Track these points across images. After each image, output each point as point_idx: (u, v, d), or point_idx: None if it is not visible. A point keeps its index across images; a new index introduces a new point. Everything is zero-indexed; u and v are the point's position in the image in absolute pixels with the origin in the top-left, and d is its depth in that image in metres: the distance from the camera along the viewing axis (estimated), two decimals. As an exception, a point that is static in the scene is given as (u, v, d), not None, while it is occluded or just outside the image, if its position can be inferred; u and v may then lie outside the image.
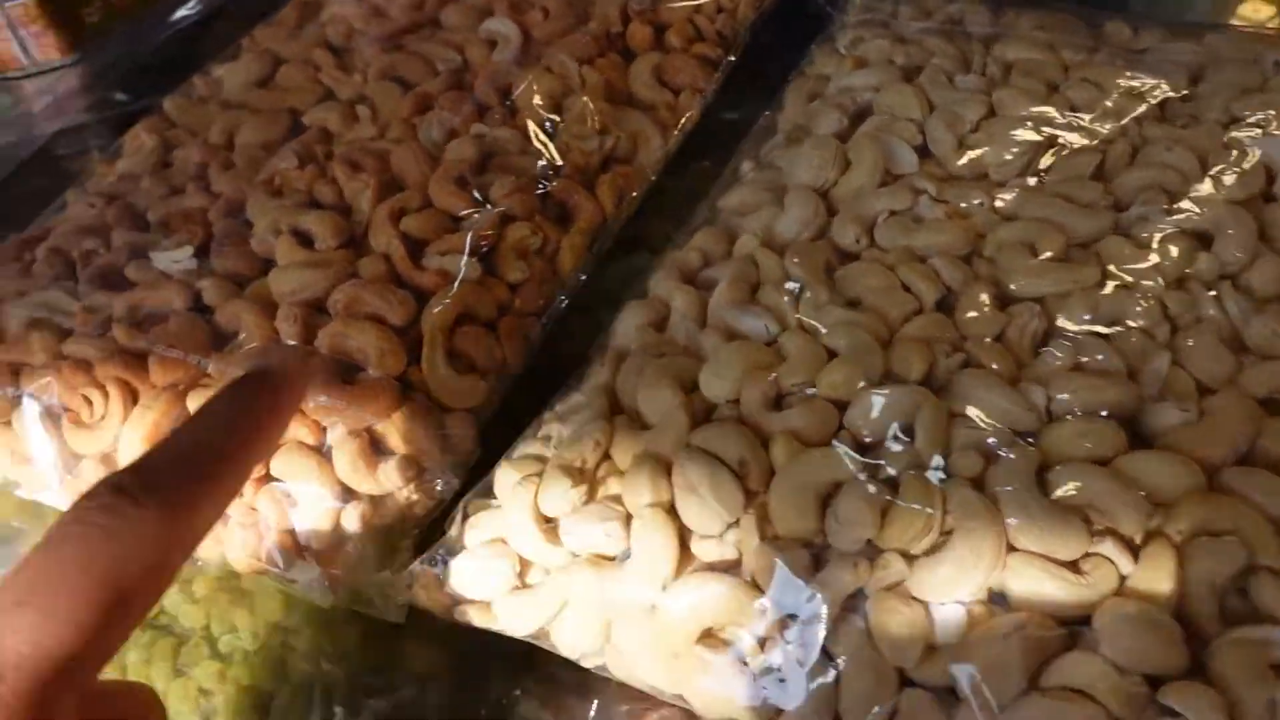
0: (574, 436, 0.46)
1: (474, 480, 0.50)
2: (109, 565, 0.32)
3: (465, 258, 0.54)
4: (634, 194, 0.64)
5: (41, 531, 0.57)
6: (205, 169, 0.65)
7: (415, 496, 0.49)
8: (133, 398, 0.51)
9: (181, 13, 0.89)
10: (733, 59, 0.72)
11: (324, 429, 0.49)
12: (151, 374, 0.51)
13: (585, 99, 0.66)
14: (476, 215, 0.56)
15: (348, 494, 0.48)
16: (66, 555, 0.32)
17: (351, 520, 0.47)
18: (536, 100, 0.65)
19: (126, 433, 0.50)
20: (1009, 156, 0.56)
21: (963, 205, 0.54)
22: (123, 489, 0.33)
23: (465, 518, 0.47)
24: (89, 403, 0.52)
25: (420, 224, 0.55)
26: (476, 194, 0.58)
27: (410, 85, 0.68)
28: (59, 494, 0.52)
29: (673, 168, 0.68)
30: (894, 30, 0.66)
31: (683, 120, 0.68)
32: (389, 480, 0.48)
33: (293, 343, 0.49)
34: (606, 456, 0.46)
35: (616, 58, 0.70)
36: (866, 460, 0.42)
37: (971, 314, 0.48)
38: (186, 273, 0.56)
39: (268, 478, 0.48)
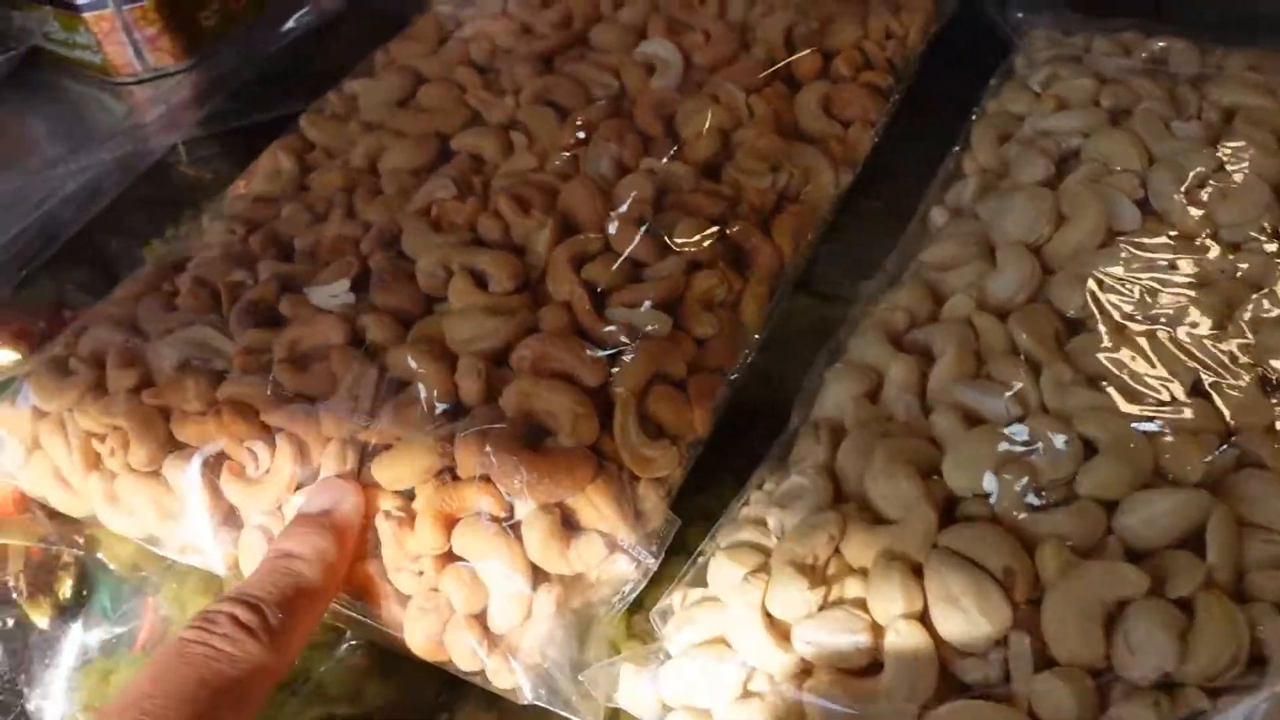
0: (803, 529, 0.41)
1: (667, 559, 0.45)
2: (225, 686, 0.38)
3: (654, 311, 0.49)
4: (810, 237, 0.59)
5: (169, 582, 0.54)
6: (349, 194, 0.60)
7: (609, 576, 0.44)
8: (300, 449, 0.47)
9: (292, 22, 0.85)
10: (902, 89, 0.67)
11: (511, 502, 0.44)
12: (323, 425, 0.47)
13: (756, 132, 0.61)
14: (661, 262, 0.52)
15: (539, 575, 0.44)
16: (189, 672, 0.38)
17: (544, 605, 0.43)
18: (704, 132, 0.61)
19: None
20: (1243, 215, 0.51)
21: (1201, 270, 0.49)
22: (242, 624, 0.39)
23: (676, 612, 0.42)
24: (253, 455, 0.48)
25: (602, 271, 0.51)
26: (656, 237, 0.53)
27: (563, 110, 0.63)
28: (212, 555, 0.48)
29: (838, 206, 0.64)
30: (1090, 67, 0.61)
31: (856, 155, 0.63)
32: (581, 560, 0.44)
33: (346, 479, 0.46)
34: (836, 551, 0.41)
35: (782, 87, 0.65)
36: (1151, 574, 0.37)
37: (1237, 400, 0.43)
38: (344, 307, 0.52)
39: (451, 556, 0.44)
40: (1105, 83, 0.60)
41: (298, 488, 0.47)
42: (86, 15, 0.77)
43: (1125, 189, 0.53)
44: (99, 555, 0.55)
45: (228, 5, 0.82)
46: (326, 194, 0.61)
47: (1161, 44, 0.63)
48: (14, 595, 0.56)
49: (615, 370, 0.48)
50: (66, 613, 0.55)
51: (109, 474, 0.50)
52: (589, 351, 0.47)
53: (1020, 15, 0.69)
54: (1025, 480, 0.41)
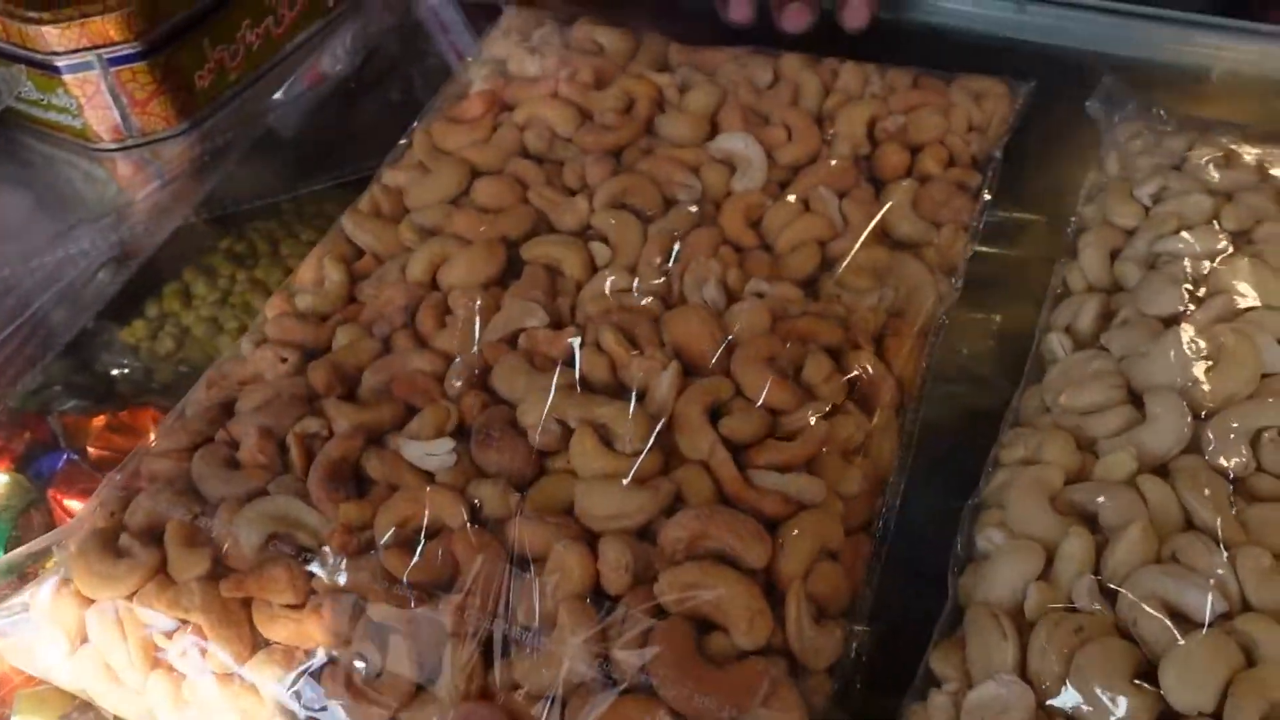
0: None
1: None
2: None
3: (809, 477, 0.45)
4: (924, 363, 0.55)
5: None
6: (412, 313, 0.54)
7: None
8: (417, 649, 0.41)
9: (291, 85, 0.77)
10: (990, 187, 0.64)
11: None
12: (445, 619, 0.41)
13: (852, 241, 0.57)
14: (799, 410, 0.47)
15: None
16: None
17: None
18: (802, 245, 0.56)
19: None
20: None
21: (1369, 427, 0.46)
22: None
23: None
24: (360, 656, 0.41)
25: (743, 425, 0.46)
26: (788, 378, 0.49)
27: (640, 214, 0.58)
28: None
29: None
30: (1199, 179, 0.58)
31: (952, 262, 0.59)
32: (761, 782, 0.39)
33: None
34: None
35: (869, 187, 0.61)
36: None
37: None
38: (446, 469, 0.46)
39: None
40: (1218, 197, 0.57)
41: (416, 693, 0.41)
42: (67, 78, 0.68)
43: (1270, 328, 0.50)
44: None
45: (223, 64, 0.73)
46: (386, 312, 0.54)
47: (1260, 150, 0.60)
48: (36, 788, 0.48)
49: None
50: (99, 806, 0.48)
51: (176, 675, 0.43)
52: (751, 527, 0.42)
53: (1099, 105, 0.67)
54: (1259, 701, 0.37)
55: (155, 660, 0.43)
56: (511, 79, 0.67)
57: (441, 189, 0.60)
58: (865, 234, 0.57)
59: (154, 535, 0.45)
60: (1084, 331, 0.55)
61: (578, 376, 0.49)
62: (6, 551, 0.52)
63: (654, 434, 0.45)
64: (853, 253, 0.56)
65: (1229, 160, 0.60)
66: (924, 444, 0.53)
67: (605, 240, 0.57)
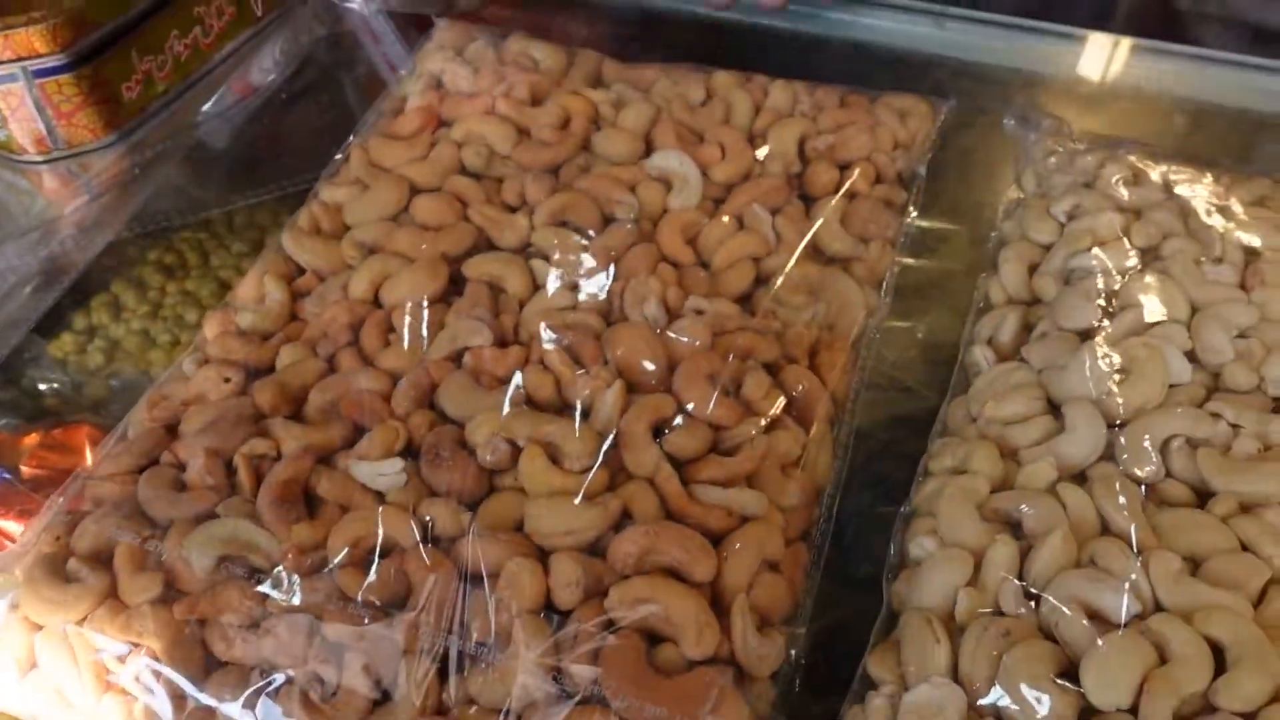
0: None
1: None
2: None
3: (752, 491, 0.47)
4: (857, 376, 0.57)
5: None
6: (355, 331, 0.54)
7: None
8: (374, 667, 0.42)
9: (220, 97, 0.76)
10: (915, 203, 0.66)
11: (631, 725, 0.41)
12: (400, 637, 0.42)
13: (790, 259, 0.59)
14: (740, 425, 0.49)
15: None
16: None
17: None
18: (738, 262, 0.58)
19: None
20: (1287, 370, 0.52)
21: (1268, 433, 0.50)
22: None
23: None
24: (316, 676, 0.42)
25: (688, 442, 0.48)
26: (729, 395, 0.50)
27: (579, 231, 0.59)
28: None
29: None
30: (1110, 196, 0.62)
31: (878, 276, 0.61)
32: (712, 788, 0.41)
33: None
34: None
35: (800, 204, 0.63)
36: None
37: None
38: (397, 489, 0.47)
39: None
40: (1128, 214, 0.60)
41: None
42: (-10, 90, 0.66)
43: (1178, 341, 0.53)
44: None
45: (151, 75, 0.72)
46: (330, 331, 0.54)
47: (1164, 167, 0.64)
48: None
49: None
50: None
51: (129, 698, 0.43)
52: (698, 541, 0.44)
53: (1011, 122, 0.70)
54: (1170, 698, 0.40)
55: (107, 684, 0.43)
56: (447, 94, 0.68)
57: (381, 206, 0.60)
58: (798, 251, 0.59)
59: (103, 559, 0.45)
60: (1005, 344, 0.57)
61: (525, 395, 0.50)
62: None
63: (602, 451, 0.47)
64: (786, 269, 0.58)
65: (1137, 178, 0.63)
66: (852, 450, 0.56)
67: (546, 258, 0.58)
